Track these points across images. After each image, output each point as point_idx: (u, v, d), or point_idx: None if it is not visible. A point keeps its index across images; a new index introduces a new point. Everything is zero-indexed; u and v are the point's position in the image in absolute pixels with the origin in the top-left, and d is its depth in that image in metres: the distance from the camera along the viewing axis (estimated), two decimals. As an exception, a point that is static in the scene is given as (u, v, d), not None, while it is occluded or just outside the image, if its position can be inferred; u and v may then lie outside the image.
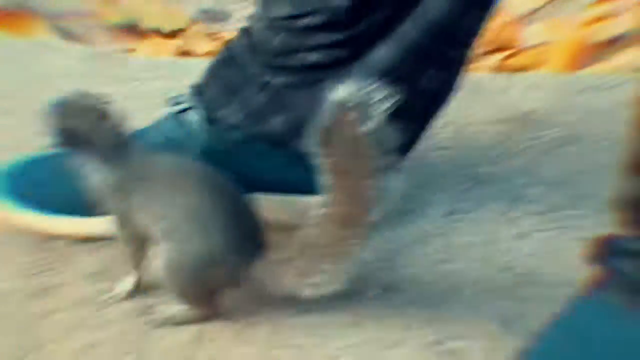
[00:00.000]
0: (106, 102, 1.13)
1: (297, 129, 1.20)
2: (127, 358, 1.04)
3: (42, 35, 1.71)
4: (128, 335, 1.07)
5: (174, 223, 1.11)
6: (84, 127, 1.12)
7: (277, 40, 1.25)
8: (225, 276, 1.12)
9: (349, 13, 1.21)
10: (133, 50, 1.72)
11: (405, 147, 1.24)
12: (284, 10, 1.23)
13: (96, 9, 1.78)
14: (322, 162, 1.04)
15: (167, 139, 1.24)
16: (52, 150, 1.20)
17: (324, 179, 1.04)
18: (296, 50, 1.25)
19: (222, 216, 1.12)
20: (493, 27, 1.63)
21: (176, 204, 1.12)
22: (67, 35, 1.72)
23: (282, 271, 1.12)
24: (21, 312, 1.09)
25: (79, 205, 1.17)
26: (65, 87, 1.14)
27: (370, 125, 1.03)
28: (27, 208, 1.24)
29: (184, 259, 1.10)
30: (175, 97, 1.23)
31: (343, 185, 1.04)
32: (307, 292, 1.11)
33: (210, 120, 1.21)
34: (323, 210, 1.06)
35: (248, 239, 1.14)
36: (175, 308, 1.11)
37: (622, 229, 1.06)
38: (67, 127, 1.12)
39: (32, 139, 1.24)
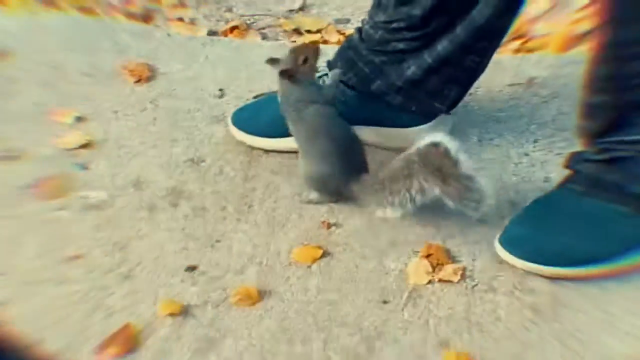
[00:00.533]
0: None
1: (388, 89, 1.58)
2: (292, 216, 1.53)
3: (252, 38, 2.18)
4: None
5: (304, 147, 1.52)
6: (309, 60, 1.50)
7: (378, 35, 1.56)
8: (337, 186, 1.51)
9: (422, 20, 1.50)
10: (295, 41, 2.11)
11: (455, 101, 1.62)
12: (382, 17, 1.55)
13: (279, 22, 2.25)
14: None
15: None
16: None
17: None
18: (389, 41, 1.55)
19: (335, 147, 1.48)
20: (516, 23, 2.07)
21: (304, 136, 1.52)
22: (265, 36, 2.21)
23: (372, 190, 1.49)
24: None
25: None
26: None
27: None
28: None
29: (309, 173, 1.51)
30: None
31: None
32: (385, 210, 1.47)
33: (337, 82, 1.55)
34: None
35: (352, 164, 1.49)
36: (314, 195, 1.55)
37: (582, 145, 1.42)
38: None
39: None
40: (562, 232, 1.36)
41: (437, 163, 1.40)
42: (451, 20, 1.52)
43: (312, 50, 1.51)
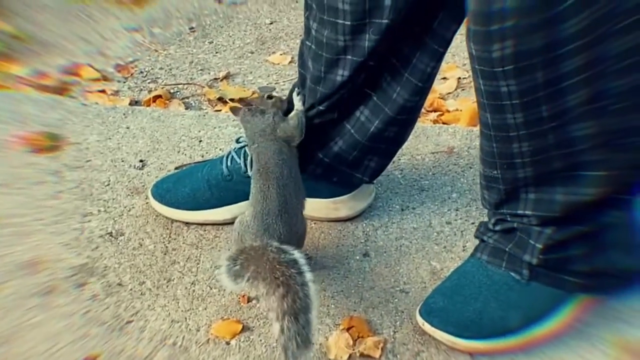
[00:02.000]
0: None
1: (309, 161, 1.57)
2: (212, 290, 1.51)
3: (175, 108, 2.17)
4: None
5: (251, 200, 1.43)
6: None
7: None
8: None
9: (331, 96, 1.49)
10: (219, 110, 2.13)
11: (377, 171, 1.62)
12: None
13: (203, 91, 2.24)
14: None
15: (232, 162, 1.59)
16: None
17: None
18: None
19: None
20: (431, 99, 2.13)
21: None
22: (188, 106, 2.19)
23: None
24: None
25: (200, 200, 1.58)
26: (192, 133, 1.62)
27: None
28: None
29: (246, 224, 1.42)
30: (239, 137, 1.62)
31: None
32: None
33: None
34: None
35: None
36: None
37: (488, 216, 1.45)
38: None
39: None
40: (473, 302, 1.39)
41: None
42: (370, 96, 1.52)
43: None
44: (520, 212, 1.37)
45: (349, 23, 1.38)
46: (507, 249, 1.40)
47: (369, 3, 1.36)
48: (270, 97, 1.50)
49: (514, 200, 1.37)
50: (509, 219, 1.39)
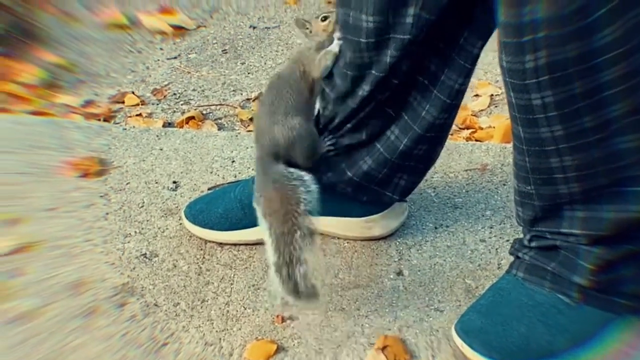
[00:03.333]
0: None
1: (338, 180, 1.56)
2: (246, 310, 1.52)
3: (207, 129, 2.21)
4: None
5: None
6: None
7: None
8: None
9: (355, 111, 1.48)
10: (251, 131, 1.95)
11: (408, 189, 1.61)
12: (325, 113, 1.53)
13: (235, 111, 2.27)
14: None
15: None
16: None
17: None
18: (333, 137, 1.53)
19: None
20: (463, 116, 2.15)
21: None
22: (221, 126, 2.22)
23: None
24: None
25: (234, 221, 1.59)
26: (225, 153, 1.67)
27: None
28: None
29: None
30: None
31: None
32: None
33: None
34: None
35: None
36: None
37: (523, 232, 1.42)
38: None
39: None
40: (516, 324, 1.35)
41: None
42: (398, 115, 1.51)
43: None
44: (565, 230, 1.31)
45: (372, 40, 1.37)
46: (549, 268, 1.35)
47: (391, 19, 1.34)
48: (325, 18, 1.49)
49: (554, 218, 1.32)
50: (548, 236, 1.35)
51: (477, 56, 1.43)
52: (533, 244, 1.37)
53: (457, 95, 1.46)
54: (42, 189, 1.80)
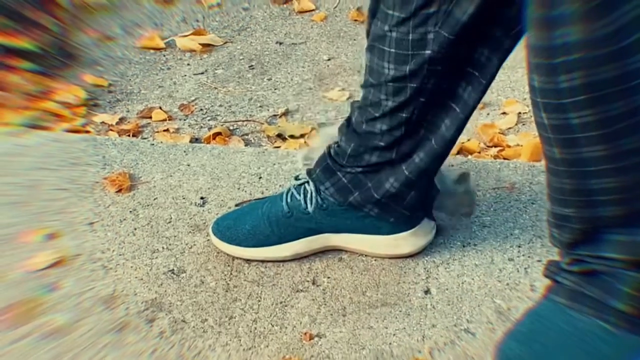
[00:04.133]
0: None
1: (365, 201, 1.58)
2: (274, 327, 1.51)
3: (234, 145, 2.23)
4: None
5: None
6: None
7: (350, 149, 1.54)
8: None
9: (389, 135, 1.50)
10: (279, 147, 2.17)
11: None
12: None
13: (262, 127, 2.30)
14: None
15: (292, 199, 1.61)
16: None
17: None
18: (362, 155, 1.54)
19: None
20: (491, 134, 2.15)
21: None
22: (248, 142, 2.24)
23: None
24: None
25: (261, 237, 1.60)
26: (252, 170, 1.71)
27: None
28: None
29: None
30: (298, 174, 1.62)
31: None
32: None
33: (317, 189, 1.58)
34: None
35: None
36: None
37: (558, 254, 1.38)
38: None
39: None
40: (558, 354, 1.30)
41: None
42: (424, 135, 1.52)
43: None
44: (604, 254, 1.27)
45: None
46: (589, 293, 1.30)
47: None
48: None
49: (593, 241, 1.28)
50: (588, 260, 1.30)
51: (495, 75, 1.45)
52: (574, 268, 1.32)
53: (471, 112, 1.48)
54: (81, 204, 1.83)
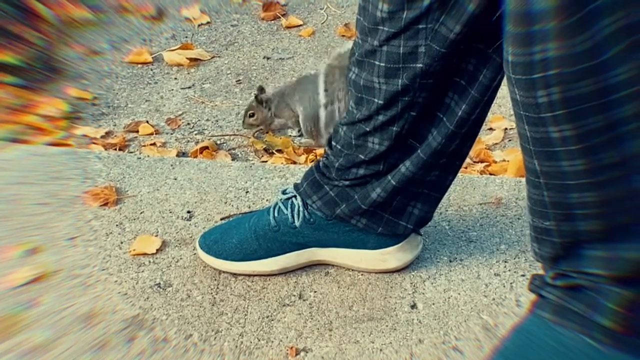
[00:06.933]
0: None
1: (352, 212, 1.57)
2: (260, 342, 1.52)
3: (221, 159, 2.24)
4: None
5: None
6: None
7: (337, 163, 1.55)
8: None
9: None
10: (266, 161, 2.19)
11: (422, 219, 1.60)
12: (339, 145, 1.56)
13: (249, 142, 2.31)
14: None
15: (279, 213, 1.61)
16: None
17: None
18: (349, 168, 1.54)
19: None
20: (478, 150, 2.17)
21: None
22: (235, 157, 2.25)
23: None
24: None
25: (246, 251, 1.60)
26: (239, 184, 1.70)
27: None
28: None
29: None
30: (286, 189, 1.63)
31: None
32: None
33: (304, 204, 1.58)
34: None
35: None
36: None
37: (541, 268, 1.35)
38: None
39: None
40: None
41: None
42: (410, 144, 1.52)
43: None
44: (586, 269, 1.25)
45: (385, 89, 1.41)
46: (574, 309, 1.28)
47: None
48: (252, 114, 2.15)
49: (575, 256, 1.27)
50: (573, 275, 1.28)
51: (489, 87, 1.43)
52: (558, 283, 1.31)
53: (461, 123, 1.47)
54: (62, 219, 1.81)
